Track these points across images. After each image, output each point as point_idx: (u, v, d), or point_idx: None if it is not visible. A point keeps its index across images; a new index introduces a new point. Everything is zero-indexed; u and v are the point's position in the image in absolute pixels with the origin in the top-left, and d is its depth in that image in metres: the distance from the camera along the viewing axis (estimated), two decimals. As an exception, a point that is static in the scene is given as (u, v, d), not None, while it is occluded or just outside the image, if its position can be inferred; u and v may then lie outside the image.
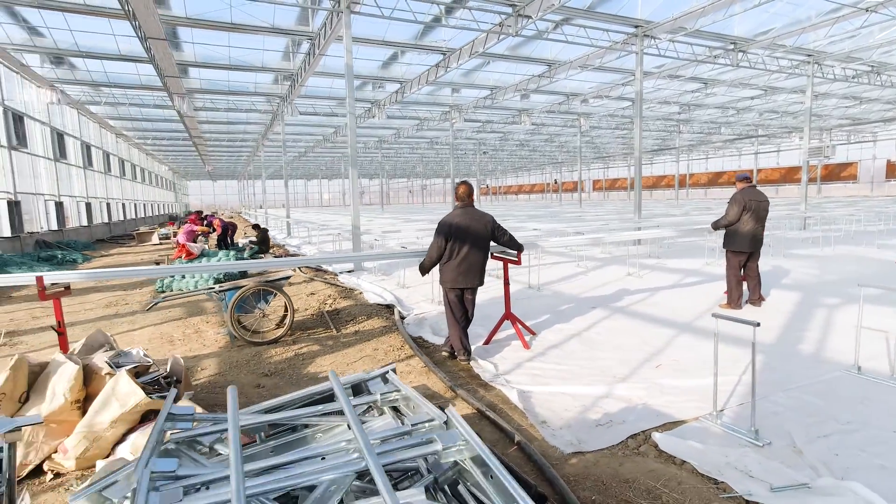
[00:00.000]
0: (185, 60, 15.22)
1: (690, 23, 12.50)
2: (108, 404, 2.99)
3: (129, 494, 1.03)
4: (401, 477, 1.29)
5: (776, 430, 3.12)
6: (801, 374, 4.05)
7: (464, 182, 4.54)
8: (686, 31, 13.00)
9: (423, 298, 7.50)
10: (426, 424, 1.34)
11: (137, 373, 3.33)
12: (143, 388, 3.07)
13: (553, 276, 8.99)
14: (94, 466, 2.96)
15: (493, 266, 6.40)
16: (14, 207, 13.48)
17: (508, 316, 5.29)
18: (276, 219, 28.32)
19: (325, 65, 15.93)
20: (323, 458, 1.21)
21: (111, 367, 3.19)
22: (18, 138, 14.44)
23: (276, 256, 13.16)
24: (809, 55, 15.83)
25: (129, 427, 3.09)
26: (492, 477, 1.07)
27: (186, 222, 13.91)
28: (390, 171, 66.56)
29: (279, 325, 6.15)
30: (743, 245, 6.08)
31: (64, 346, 3.79)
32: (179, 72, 15.50)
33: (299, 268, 10.48)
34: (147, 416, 3.20)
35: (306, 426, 1.51)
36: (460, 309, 4.51)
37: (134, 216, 31.72)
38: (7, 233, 13.29)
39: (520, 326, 5.25)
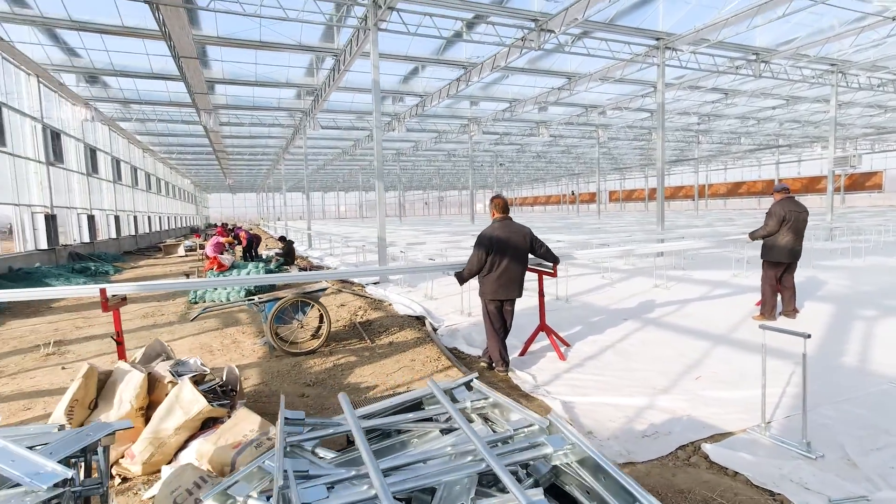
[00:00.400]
0: (214, 77, 15.68)
1: (713, 34, 12.53)
2: (172, 412, 3.12)
3: (258, 491, 1.12)
4: (494, 481, 1.36)
5: (828, 443, 3.11)
6: (848, 387, 4.02)
7: (499, 196, 4.64)
8: (709, 42, 13.02)
9: (453, 310, 7.57)
10: (525, 430, 1.41)
11: (196, 381, 3.45)
12: (204, 397, 3.19)
13: (580, 288, 9.00)
14: (159, 471, 3.07)
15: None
16: (50, 221, 13.95)
17: (543, 327, 5.34)
18: (296, 231, 28.70)
19: (347, 80, 16.26)
20: (425, 463, 1.28)
21: (173, 376, 3.32)
22: (55, 154, 14.97)
23: (300, 268, 13.36)
24: (833, 64, 15.71)
25: (190, 434, 3.20)
26: (604, 478, 1.14)
27: (214, 234, 14.23)
28: (406, 183, 67.08)
29: (314, 336, 6.28)
30: (781, 256, 6.06)
31: (122, 354, 3.94)
32: (207, 88, 15.97)
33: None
34: (206, 424, 3.32)
35: (399, 432, 1.59)
36: (499, 320, 4.58)
37: (158, 228, 32.44)
38: (44, 245, 13.73)
39: (555, 338, 5.29)
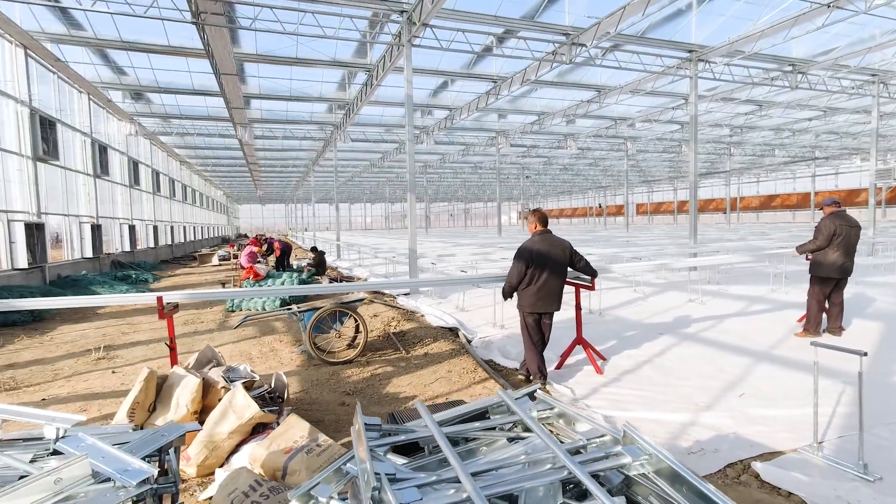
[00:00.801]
0: (250, 93, 16.23)
1: (748, 46, 12.38)
2: (226, 416, 3.23)
3: (350, 493, 1.17)
4: (573, 489, 1.38)
5: (885, 465, 3.02)
6: (902, 408, 3.88)
7: (539, 209, 4.69)
8: (743, 54, 12.86)
9: (485, 322, 7.59)
10: (597, 440, 1.44)
11: (246, 388, 3.57)
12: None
13: (612, 302, 8.91)
14: (212, 474, 3.18)
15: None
16: (96, 230, 14.57)
17: (580, 341, 5.32)
18: (324, 241, 29.20)
19: (377, 94, 16.61)
20: (496, 470, 1.33)
21: (226, 382, 3.44)
22: (102, 167, 15.69)
23: (331, 279, 13.59)
24: (874, 74, 15.30)
25: (242, 438, 3.31)
26: (685, 488, 1.16)
27: (247, 244, 14.61)
28: (432, 195, 67.59)
29: (350, 345, 6.39)
30: (830, 272, 5.90)
31: (174, 359, 4.10)
32: (244, 103, 16.53)
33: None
34: (256, 429, 3.43)
35: (466, 440, 1.64)
36: (538, 333, 4.59)
37: (192, 238, 33.44)
38: (89, 253, 14.35)
39: (591, 351, 5.27)
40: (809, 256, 6.34)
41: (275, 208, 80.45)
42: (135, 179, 19.61)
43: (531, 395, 1.82)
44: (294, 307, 6.09)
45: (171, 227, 26.64)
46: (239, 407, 3.24)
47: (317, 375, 5.41)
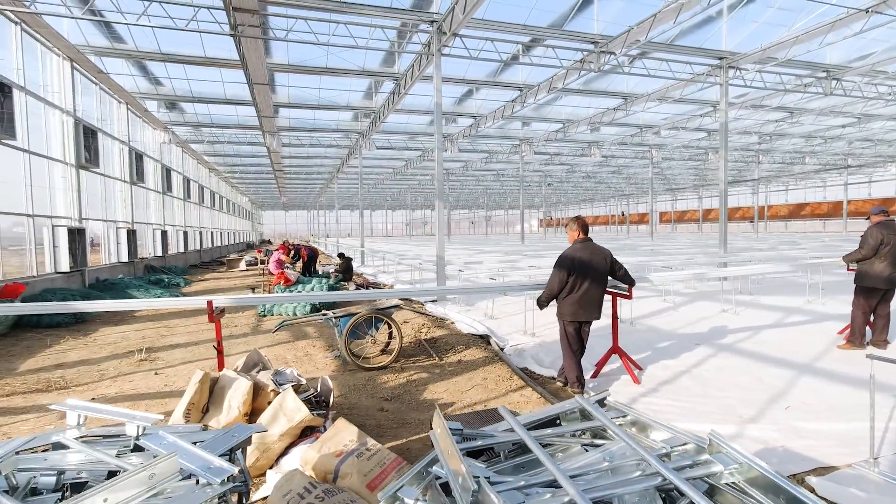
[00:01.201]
0: (280, 102, 16.58)
1: (781, 53, 12.18)
2: (277, 419, 3.31)
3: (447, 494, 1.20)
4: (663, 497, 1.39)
5: (947, 484, 2.93)
6: (958, 425, 3.76)
7: (579, 217, 4.69)
8: (776, 61, 12.66)
9: (515, 330, 7.59)
10: (679, 448, 1.45)
11: (294, 391, 3.65)
12: (304, 405, 3.37)
13: (642, 311, 8.82)
14: (263, 475, 3.26)
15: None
16: (131, 235, 15.02)
17: (616, 350, 5.29)
18: (347, 247, 29.52)
19: (403, 102, 16.81)
20: (581, 476, 1.35)
21: (275, 385, 3.53)
22: (138, 174, 16.21)
23: (357, 285, 13.74)
24: (913, 81, 14.88)
25: (291, 440, 3.39)
26: (784, 499, 1.17)
27: (276, 251, 14.89)
28: (453, 202, 67.76)
29: (383, 351, 6.45)
30: (877, 282, 5.76)
31: (221, 362, 4.21)
32: (273, 112, 16.91)
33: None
34: (304, 432, 3.50)
35: (541, 446, 1.66)
36: (577, 341, 4.59)
37: (219, 244, 34.15)
38: (125, 258, 14.79)
39: (628, 361, 5.23)
40: (852, 267, 6.20)
41: (297, 214, 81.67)
42: (167, 186, 20.17)
43: (601, 402, 1.83)
44: (330, 313, 6.19)
45: (200, 233, 27.28)
46: (289, 410, 3.31)
47: (353, 380, 5.47)
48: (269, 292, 11.62)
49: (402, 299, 10.78)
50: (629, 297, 5.05)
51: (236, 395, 3.41)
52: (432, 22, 10.30)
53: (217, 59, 12.33)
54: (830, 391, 4.61)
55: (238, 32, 9.47)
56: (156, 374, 5.93)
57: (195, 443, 2.07)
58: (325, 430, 3.51)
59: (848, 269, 6.32)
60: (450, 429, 1.45)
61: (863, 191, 44.33)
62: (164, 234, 18.78)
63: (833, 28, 10.71)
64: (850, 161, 34.63)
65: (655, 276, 6.84)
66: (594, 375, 5.20)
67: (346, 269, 14.17)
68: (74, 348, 7.32)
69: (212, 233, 31.42)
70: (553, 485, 1.29)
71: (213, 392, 3.61)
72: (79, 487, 1.79)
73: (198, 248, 26.46)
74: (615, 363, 5.54)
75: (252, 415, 3.57)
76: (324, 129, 21.20)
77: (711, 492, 1.35)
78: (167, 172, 20.24)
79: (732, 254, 14.89)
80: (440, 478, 1.43)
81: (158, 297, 12.04)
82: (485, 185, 47.98)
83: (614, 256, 4.71)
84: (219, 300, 4.36)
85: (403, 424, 4.20)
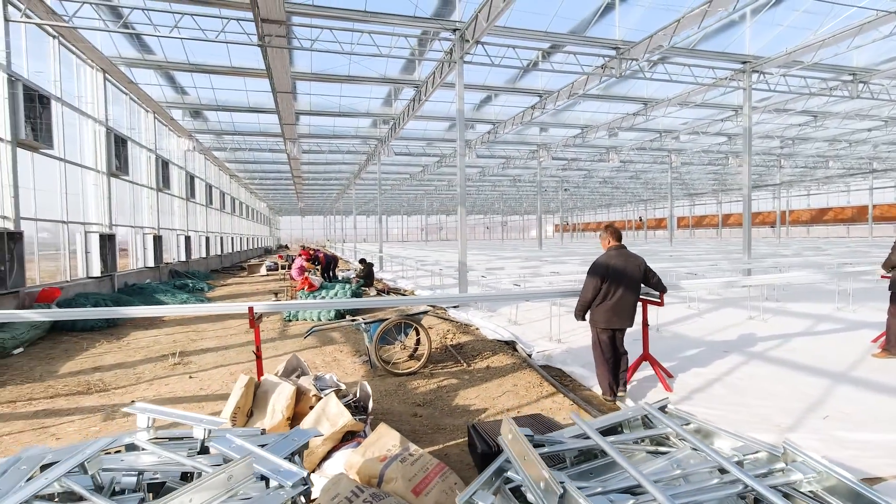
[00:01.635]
0: (301, 109, 16.83)
1: (806, 56, 12.04)
2: (320, 423, 3.38)
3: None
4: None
5: None
6: None
7: (611, 225, 4.71)
8: (801, 65, 12.51)
9: (540, 336, 7.58)
10: (751, 456, 1.47)
11: (334, 396, 3.71)
12: (345, 410, 3.43)
13: (668, 318, 8.75)
14: (307, 478, 3.32)
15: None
16: (157, 241, 15.36)
17: (647, 357, 5.28)
18: (364, 253, 29.71)
19: (422, 108, 16.94)
20: (638, 487, 1.38)
21: (317, 391, 3.60)
22: (164, 181, 16.59)
23: (378, 290, 13.86)
24: (943, 83, 14.57)
25: (333, 445, 3.45)
26: (865, 507, 1.19)
27: (297, 256, 15.08)
28: (469, 208, 67.80)
29: (410, 357, 6.51)
30: (914, 289, 5.67)
31: (260, 366, 4.31)
32: (295, 119, 17.17)
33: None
34: (345, 437, 3.56)
35: (604, 453, 1.70)
36: (610, 349, 4.59)
37: (238, 249, 34.66)
38: (151, 263, 15.12)
39: (659, 368, 5.21)
40: (885, 274, 6.10)
41: (314, 220, 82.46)
42: (191, 192, 20.59)
43: (662, 409, 1.86)
44: (360, 318, 6.27)
45: (221, 238, 27.73)
46: (332, 415, 3.38)
47: (383, 386, 5.54)
48: (293, 297, 11.77)
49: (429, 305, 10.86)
50: (661, 304, 5.04)
51: (280, 400, 3.49)
52: (455, 30, 10.41)
53: (243, 68, 12.60)
54: (869, 400, 4.54)
55: (266, 43, 9.67)
56: (190, 377, 6.07)
57: (261, 446, 2.14)
58: (366, 435, 3.57)
59: (882, 276, 6.21)
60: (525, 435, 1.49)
61: (889, 195, 43.28)
62: (187, 239, 19.15)
63: (861, 31, 10.56)
64: (876, 165, 33.90)
65: (688, 283, 6.79)
66: (625, 383, 5.18)
67: (367, 275, 14.29)
68: (109, 352, 7.52)
69: (232, 238, 31.91)
70: (629, 491, 1.32)
71: (256, 396, 3.70)
72: (155, 488, 1.87)
73: (219, 253, 26.90)
74: (646, 370, 5.52)
75: (294, 419, 3.64)
76: (343, 136, 21.45)
77: (789, 500, 1.36)
78: (191, 179, 20.65)
79: (757, 260, 14.68)
80: (509, 482, 1.47)
81: (184, 301, 12.27)
82: (501, 191, 47.96)
83: (648, 264, 4.71)
84: (260, 306, 4.47)
85: (438, 430, 4.25)
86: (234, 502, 1.69)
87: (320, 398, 3.57)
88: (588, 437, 1.56)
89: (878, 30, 10.66)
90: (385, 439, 3.28)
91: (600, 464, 1.57)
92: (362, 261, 14.57)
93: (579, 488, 1.28)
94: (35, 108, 8.81)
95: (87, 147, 11.71)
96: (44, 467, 1.79)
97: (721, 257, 17.71)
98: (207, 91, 15.06)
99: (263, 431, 2.37)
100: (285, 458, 2.13)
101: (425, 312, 6.20)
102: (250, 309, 4.27)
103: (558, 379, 5.57)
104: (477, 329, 8.33)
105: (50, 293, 9.20)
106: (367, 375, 5.99)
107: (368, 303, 6.19)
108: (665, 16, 10.40)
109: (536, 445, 1.59)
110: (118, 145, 12.53)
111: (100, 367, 6.57)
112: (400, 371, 5.89)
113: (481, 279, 11.27)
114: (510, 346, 7.24)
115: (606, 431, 1.73)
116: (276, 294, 13.26)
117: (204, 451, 2.12)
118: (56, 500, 1.66)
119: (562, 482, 1.21)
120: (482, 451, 3.16)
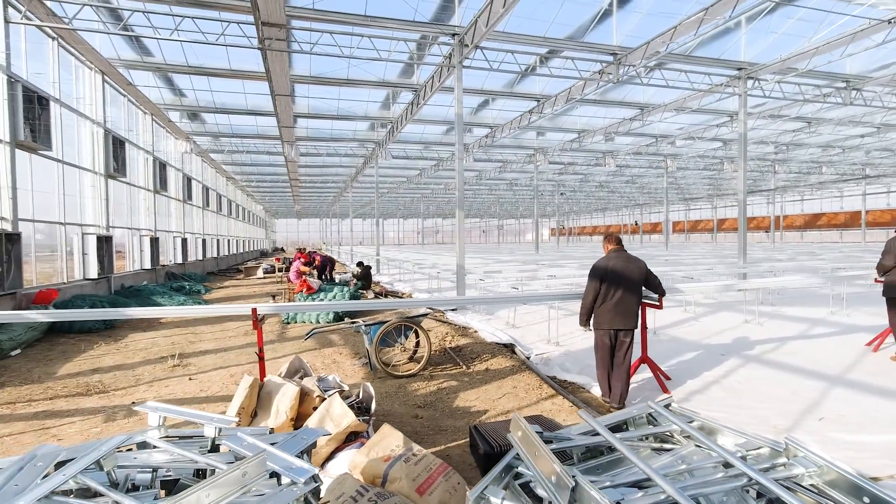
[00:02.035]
0: (300, 112, 16.86)
1: (801, 63, 12.19)
2: (324, 424, 3.40)
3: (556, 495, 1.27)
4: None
5: None
6: None
7: (610, 233, 4.81)
8: (796, 71, 12.66)
9: (538, 339, 7.63)
10: (754, 451, 1.52)
11: (337, 397, 3.74)
12: (349, 411, 3.46)
13: (664, 321, 8.82)
14: (311, 478, 3.35)
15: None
16: (154, 243, 15.32)
17: (645, 359, 5.33)
18: (361, 255, 29.68)
19: (420, 112, 16.99)
20: (647, 481, 1.42)
21: (321, 392, 3.62)
22: (161, 183, 16.55)
23: (375, 293, 13.86)
24: (935, 91, 14.77)
25: (336, 445, 3.47)
26: (869, 500, 1.23)
27: (294, 259, 15.08)
28: (465, 211, 67.69)
29: (410, 359, 6.53)
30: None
31: (263, 368, 4.33)
32: (293, 122, 17.20)
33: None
34: (349, 438, 3.58)
35: (610, 450, 1.74)
36: (611, 354, 4.63)
37: (234, 251, 34.56)
38: (147, 265, 15.07)
39: (657, 371, 5.26)
40: (878, 278, 6.19)
41: (310, 223, 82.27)
42: (188, 194, 20.54)
43: (667, 406, 1.90)
44: (360, 321, 6.30)
45: (217, 241, 27.66)
46: (336, 415, 3.41)
47: (384, 388, 5.56)
48: (291, 300, 11.77)
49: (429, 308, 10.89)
50: (660, 307, 5.10)
51: (284, 401, 3.52)
52: (454, 34, 10.48)
53: (242, 71, 12.62)
54: (865, 402, 4.61)
55: (266, 46, 9.71)
56: (190, 379, 6.07)
57: (271, 444, 2.16)
58: (369, 435, 3.60)
59: (875, 281, 6.30)
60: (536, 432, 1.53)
61: (881, 201, 43.70)
62: (184, 241, 19.10)
63: (854, 39, 10.71)
64: (869, 171, 34.25)
65: (682, 286, 6.86)
66: (621, 397, 5.23)
67: (364, 277, 14.30)
68: (108, 353, 7.50)
69: (228, 240, 31.83)
70: (637, 485, 1.36)
71: (260, 397, 3.72)
72: (168, 485, 1.89)
73: (215, 255, 26.83)
74: (644, 373, 5.57)
75: (297, 420, 3.67)
76: (341, 139, 21.48)
77: (791, 493, 1.40)
78: (188, 181, 20.62)
79: (752, 264, 14.80)
80: (519, 477, 1.51)
81: (181, 303, 12.25)
82: (497, 195, 48.08)
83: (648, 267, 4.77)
84: (263, 308, 4.49)
85: (440, 431, 4.28)
86: (248, 498, 1.72)
87: (324, 399, 3.60)
88: (596, 434, 1.60)
89: (871, 38, 10.82)
90: (389, 440, 3.30)
91: (607, 460, 1.61)
92: (360, 264, 14.59)
93: (595, 481, 1.32)
94: (34, 109, 8.80)
95: (85, 148, 11.69)
96: (58, 465, 1.82)
97: (717, 261, 17.84)
98: (206, 93, 15.07)
99: (272, 430, 2.40)
100: (296, 456, 2.16)
101: (425, 315, 6.23)
102: (254, 310, 4.30)
103: (556, 381, 5.61)
104: (475, 332, 8.37)
105: (47, 295, 9.17)
106: (367, 377, 6.01)
107: (368, 305, 6.22)
108: (662, 22, 10.53)
109: (547, 442, 1.64)
110: (116, 147, 12.52)
111: (98, 369, 6.56)
112: (400, 373, 5.92)
113: (479, 282, 11.32)
114: (509, 348, 7.28)
115: (612, 429, 1.76)
116: (273, 297, 13.24)
117: (214, 449, 2.14)
118: (72, 496, 1.69)
119: (573, 476, 1.25)
120: (485, 451, 3.20)
